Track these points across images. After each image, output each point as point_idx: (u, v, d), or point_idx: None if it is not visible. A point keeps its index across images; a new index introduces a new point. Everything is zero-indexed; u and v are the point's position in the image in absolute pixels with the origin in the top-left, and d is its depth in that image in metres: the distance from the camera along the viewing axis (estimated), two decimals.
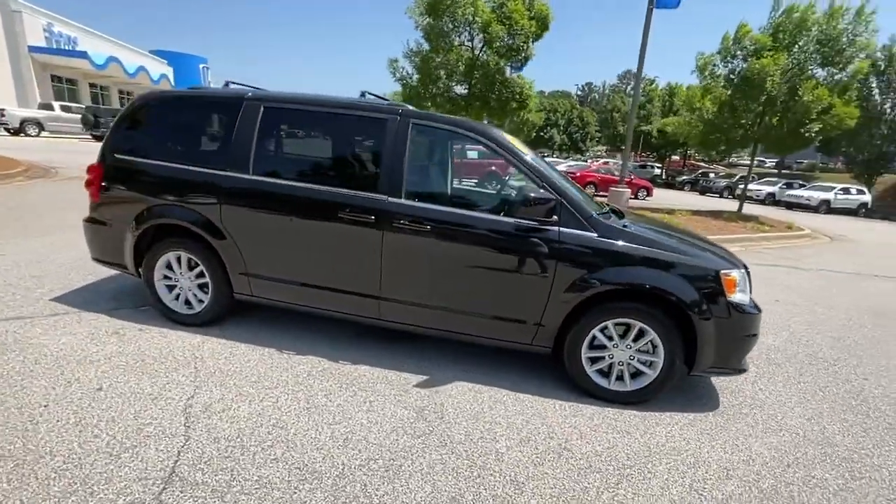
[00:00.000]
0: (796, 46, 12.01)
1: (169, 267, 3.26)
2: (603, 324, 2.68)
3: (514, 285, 2.73)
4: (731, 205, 18.00)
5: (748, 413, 2.83)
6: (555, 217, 2.63)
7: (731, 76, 12.47)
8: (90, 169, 3.32)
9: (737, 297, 2.62)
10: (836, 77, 12.04)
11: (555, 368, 3.08)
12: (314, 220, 2.92)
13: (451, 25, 10.35)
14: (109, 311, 3.42)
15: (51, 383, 2.46)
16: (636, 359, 2.72)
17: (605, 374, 2.79)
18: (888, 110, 24.85)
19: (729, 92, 12.36)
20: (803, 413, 2.90)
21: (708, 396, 2.99)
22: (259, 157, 3.00)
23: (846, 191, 23.46)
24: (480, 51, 10.79)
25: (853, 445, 2.58)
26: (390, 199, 2.79)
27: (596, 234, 2.65)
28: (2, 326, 3.03)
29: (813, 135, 12.20)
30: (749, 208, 16.29)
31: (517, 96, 10.56)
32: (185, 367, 2.76)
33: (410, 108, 2.98)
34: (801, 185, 26.51)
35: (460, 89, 11.29)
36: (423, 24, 10.82)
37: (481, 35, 10.21)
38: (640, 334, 2.67)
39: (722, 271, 2.61)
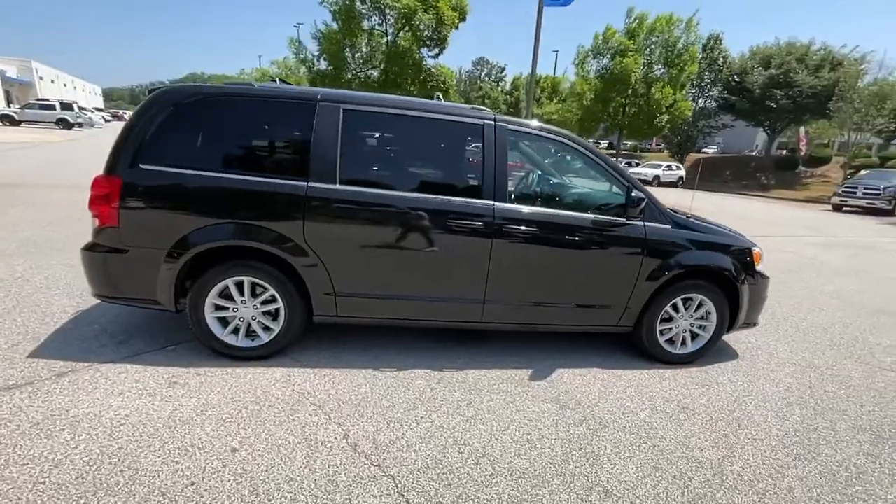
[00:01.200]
0: (647, 50, 14.54)
1: (224, 296, 2.77)
2: (673, 301, 3.20)
3: (607, 275, 3.06)
4: None
5: (761, 356, 3.68)
6: (642, 213, 3.01)
7: (603, 71, 14.55)
8: (98, 184, 2.59)
9: (759, 267, 3.37)
10: (674, 76, 14.94)
11: (618, 343, 3.53)
12: (416, 231, 2.80)
13: (363, 9, 9.87)
14: (130, 359, 2.77)
15: (165, 459, 1.99)
16: (695, 325, 3.32)
17: (671, 342, 3.33)
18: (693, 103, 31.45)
19: (602, 85, 14.43)
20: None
21: (726, 351, 3.76)
22: (345, 165, 2.73)
23: (669, 167, 29.22)
24: (396, 36, 10.54)
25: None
26: (497, 204, 2.84)
27: (671, 227, 3.12)
28: (5, 400, 2.26)
29: (663, 124, 15.04)
30: None
31: (442, 84, 10.68)
32: (302, 406, 2.46)
33: (493, 112, 3.02)
34: (638, 164, 32.18)
35: (375, 74, 10.91)
36: (332, 2, 10.09)
37: (397, 20, 9.96)
38: (700, 305, 3.26)
39: (754, 249, 3.32)
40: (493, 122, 2.89)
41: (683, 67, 14.52)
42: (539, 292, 3.04)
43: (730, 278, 3.20)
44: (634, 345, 3.38)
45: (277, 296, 2.78)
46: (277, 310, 2.83)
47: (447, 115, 2.88)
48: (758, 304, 3.43)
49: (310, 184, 2.67)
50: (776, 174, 28.68)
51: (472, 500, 1.91)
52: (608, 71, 14.17)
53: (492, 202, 2.83)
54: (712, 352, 3.44)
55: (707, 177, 28.00)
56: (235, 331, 2.84)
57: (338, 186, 2.69)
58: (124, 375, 2.60)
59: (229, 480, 1.90)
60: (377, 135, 3.03)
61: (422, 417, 2.45)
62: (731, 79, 29.82)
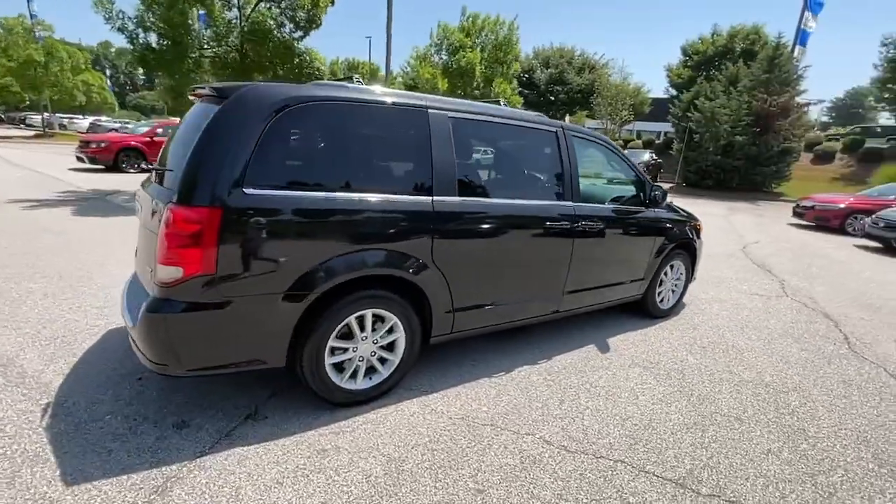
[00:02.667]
0: (479, 47, 16.10)
1: (341, 335, 2.37)
2: (666, 268, 4.08)
3: (641, 254, 3.72)
4: None
5: (693, 301, 4.94)
6: (657, 203, 3.74)
7: (448, 66, 15.50)
8: (181, 219, 1.88)
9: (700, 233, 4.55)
10: (505, 72, 16.96)
11: (609, 312, 4.27)
12: (521, 236, 2.89)
13: None
14: (225, 443, 2.13)
15: None
16: (676, 284, 4.29)
17: (661, 300, 4.23)
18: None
19: (447, 79, 15.39)
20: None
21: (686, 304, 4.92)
22: (460, 177, 2.61)
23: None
24: (253, 10, 9.00)
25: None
26: (576, 204, 3.13)
27: (666, 211, 3.94)
28: None
29: None
30: None
31: (317, 71, 9.69)
32: (479, 428, 2.37)
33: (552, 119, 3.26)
34: None
35: (221, 51, 9.16)
36: None
37: None
38: (678, 268, 4.24)
39: (699, 221, 4.45)
40: (562, 129, 3.15)
41: (510, 64, 16.71)
42: (603, 276, 3.51)
43: (693, 244, 4.25)
44: (640, 308, 4.16)
45: (399, 324, 2.52)
46: (394, 341, 2.56)
47: (531, 123, 3.01)
48: (698, 260, 4.64)
49: (434, 198, 2.48)
50: None
51: (666, 430, 2.29)
52: (452, 65, 15.23)
53: (572, 203, 3.12)
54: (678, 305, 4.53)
55: None
56: (354, 374, 2.47)
57: (458, 199, 2.57)
58: (250, 463, 2.02)
59: None
60: (478, 143, 2.94)
61: (577, 404, 2.67)
62: (521, 75, 35.16)
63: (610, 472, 2.12)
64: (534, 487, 2.00)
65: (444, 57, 15.71)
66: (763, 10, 72.16)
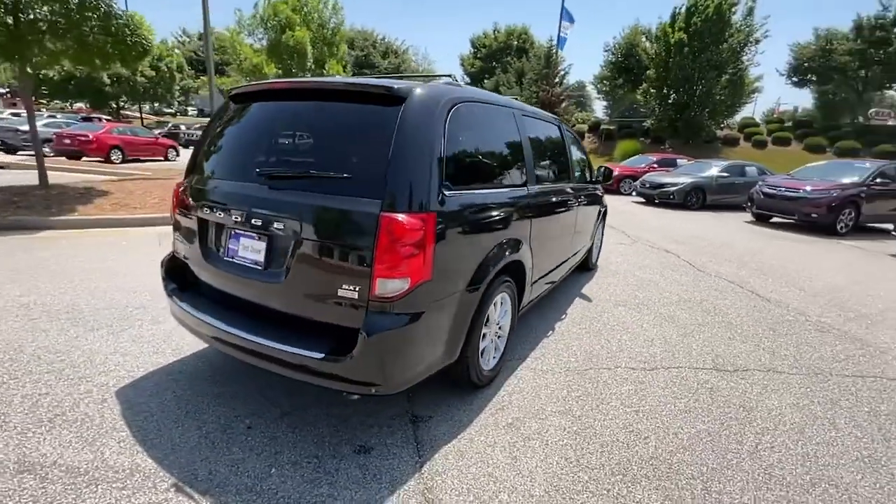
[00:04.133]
0: (306, 26, 15.16)
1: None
2: (599, 230, 5.23)
3: (593, 221, 4.69)
4: None
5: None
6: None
7: (275, 44, 14.11)
8: (405, 228, 1.79)
9: None
10: (335, 54, 16.42)
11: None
12: (560, 211, 3.46)
13: None
14: (421, 441, 2.15)
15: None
16: (600, 241, 5.51)
17: (596, 257, 5.39)
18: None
19: (277, 60, 14.06)
20: None
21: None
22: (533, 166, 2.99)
23: None
24: None
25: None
26: (575, 183, 3.85)
27: (600, 186, 5.02)
28: None
29: None
30: None
31: (143, 42, 7.48)
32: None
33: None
34: None
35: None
36: None
37: None
38: (602, 228, 5.45)
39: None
40: (557, 121, 3.78)
41: (339, 45, 16.15)
42: (582, 240, 4.33)
43: (605, 208, 5.51)
44: (583, 267, 5.21)
45: (510, 302, 2.81)
46: (506, 319, 2.84)
47: (543, 118, 3.53)
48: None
49: (528, 188, 2.82)
50: None
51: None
52: (280, 43, 13.88)
53: (571, 182, 3.82)
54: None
55: None
56: (484, 354, 2.66)
57: (537, 186, 2.97)
58: (472, 453, 2.12)
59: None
60: (536, 136, 3.24)
61: (611, 337, 3.46)
62: None
63: (658, 373, 2.98)
64: (647, 392, 2.69)
65: (271, 34, 14.23)
66: (529, 11, 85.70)
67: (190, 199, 2.40)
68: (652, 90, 26.46)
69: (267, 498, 1.79)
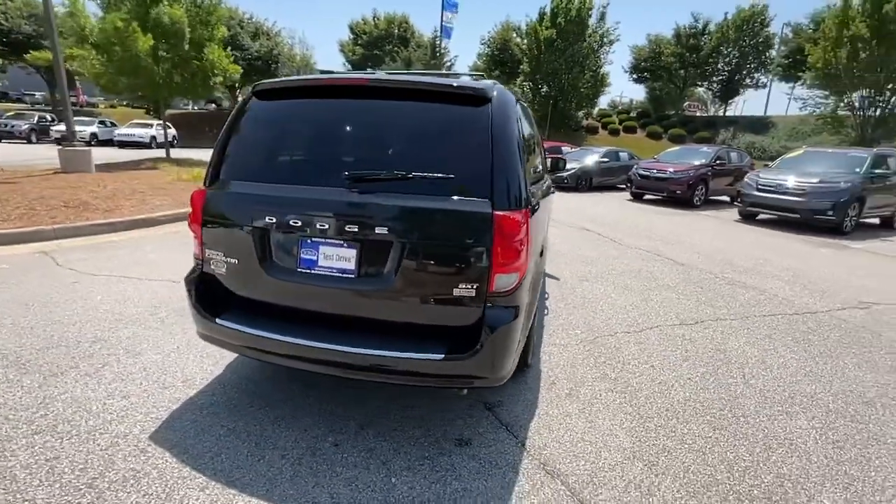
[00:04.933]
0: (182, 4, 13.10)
1: None
2: None
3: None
4: (52, 152, 11.83)
5: None
6: None
7: (145, 19, 11.86)
8: (513, 225, 1.88)
9: None
10: (214, 36, 14.43)
11: None
12: (550, 196, 3.78)
13: None
14: (510, 424, 2.31)
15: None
16: None
17: None
18: None
19: (150, 37, 11.84)
20: None
21: None
22: None
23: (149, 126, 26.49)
24: None
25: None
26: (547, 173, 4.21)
27: None
28: None
29: (218, 83, 14.65)
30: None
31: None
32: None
33: None
34: (113, 124, 27.02)
35: None
36: None
37: None
38: None
39: None
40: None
41: (216, 26, 14.18)
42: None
43: None
44: None
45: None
46: None
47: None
48: None
49: (545, 176, 3.07)
50: None
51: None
52: (150, 18, 11.70)
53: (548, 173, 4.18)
54: None
55: (192, 134, 28.43)
56: None
57: (546, 175, 3.23)
58: (570, 430, 2.33)
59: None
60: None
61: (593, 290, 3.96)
62: None
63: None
64: (649, 350, 3.20)
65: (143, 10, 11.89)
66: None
67: (235, 207, 2.13)
68: (527, 83, 28.84)
69: None
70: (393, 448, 2.10)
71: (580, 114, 29.25)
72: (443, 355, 1.89)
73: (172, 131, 27.23)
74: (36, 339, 2.93)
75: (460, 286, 1.90)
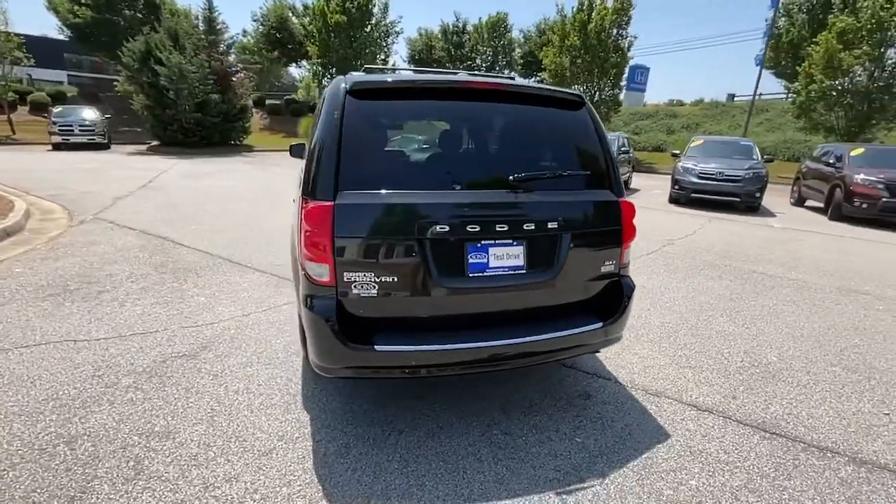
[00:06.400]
0: None
1: None
2: None
3: None
4: None
5: None
6: None
7: None
8: (630, 209, 2.38)
9: None
10: None
11: None
12: None
13: None
14: (588, 395, 2.87)
15: None
16: None
17: None
18: None
19: None
20: None
21: None
22: None
23: None
24: None
25: None
26: None
27: None
28: None
29: None
30: None
31: None
32: None
33: None
34: None
35: None
36: None
37: None
38: None
39: None
40: None
41: None
42: None
43: None
44: None
45: None
46: None
47: None
48: None
49: None
50: None
51: None
52: None
53: None
54: None
55: None
56: None
57: None
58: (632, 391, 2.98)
59: None
60: None
61: None
62: None
63: None
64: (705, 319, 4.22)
65: None
66: None
67: (389, 220, 1.94)
68: (317, 67, 27.81)
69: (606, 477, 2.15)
70: (547, 416, 2.38)
71: None
72: (601, 323, 2.27)
73: None
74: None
75: (606, 263, 2.31)
